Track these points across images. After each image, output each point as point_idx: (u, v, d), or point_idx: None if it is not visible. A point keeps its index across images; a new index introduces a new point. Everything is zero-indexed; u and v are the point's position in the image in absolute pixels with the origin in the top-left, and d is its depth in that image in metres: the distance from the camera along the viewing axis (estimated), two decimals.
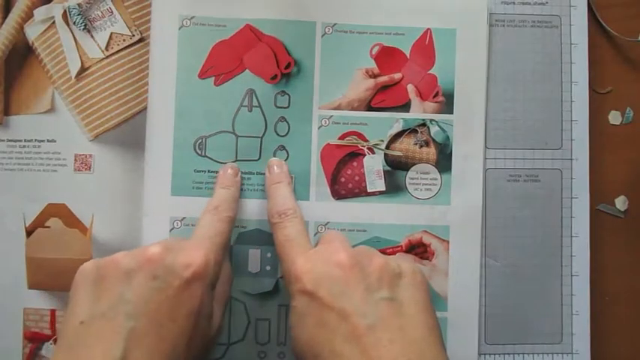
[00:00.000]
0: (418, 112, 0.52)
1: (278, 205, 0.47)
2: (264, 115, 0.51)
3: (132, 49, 0.52)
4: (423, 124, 0.52)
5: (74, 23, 0.51)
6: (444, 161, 0.52)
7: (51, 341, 0.51)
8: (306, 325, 0.40)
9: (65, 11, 0.51)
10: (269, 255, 0.51)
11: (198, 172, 0.51)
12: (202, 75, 0.51)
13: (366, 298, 0.40)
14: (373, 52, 0.52)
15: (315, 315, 0.40)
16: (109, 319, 0.38)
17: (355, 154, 0.52)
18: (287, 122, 0.52)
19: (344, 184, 0.52)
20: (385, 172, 0.52)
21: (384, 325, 0.38)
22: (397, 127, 0.52)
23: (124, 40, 0.52)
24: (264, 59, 0.51)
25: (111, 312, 0.38)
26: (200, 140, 0.51)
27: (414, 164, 0.52)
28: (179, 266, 0.40)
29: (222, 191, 0.49)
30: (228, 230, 0.46)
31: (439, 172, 0.52)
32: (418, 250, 0.52)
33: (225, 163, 0.51)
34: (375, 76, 0.52)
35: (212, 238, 0.44)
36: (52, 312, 0.51)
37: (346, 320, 0.39)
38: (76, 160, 0.52)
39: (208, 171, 0.51)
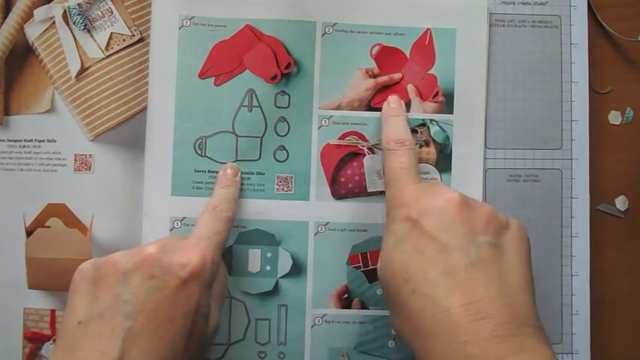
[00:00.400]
0: (418, 112, 0.52)
1: (397, 134, 0.48)
2: (264, 115, 0.51)
3: (132, 49, 0.52)
4: (423, 124, 0.52)
5: (74, 23, 0.52)
6: (444, 161, 0.52)
7: (51, 341, 0.51)
8: (403, 249, 0.41)
9: (65, 11, 0.52)
10: (269, 255, 0.51)
11: (198, 172, 0.51)
12: (202, 75, 0.51)
13: (471, 237, 0.40)
14: (373, 52, 0.52)
15: (414, 242, 0.40)
16: (106, 319, 0.38)
17: (355, 154, 0.52)
18: (287, 122, 0.52)
19: (344, 183, 0.52)
20: None
21: (483, 267, 0.39)
22: None
23: (124, 40, 0.52)
24: (264, 59, 0.51)
25: (108, 312, 0.38)
26: (200, 140, 0.51)
27: None
28: (176, 266, 0.40)
29: (221, 191, 0.49)
30: (226, 230, 0.46)
31: (439, 171, 0.52)
32: None
33: (226, 163, 0.51)
34: (375, 76, 0.52)
35: (210, 237, 0.44)
36: (52, 312, 0.51)
37: (447, 253, 0.39)
38: (76, 160, 0.52)
39: (208, 171, 0.51)
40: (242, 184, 0.51)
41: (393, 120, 0.50)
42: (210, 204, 0.47)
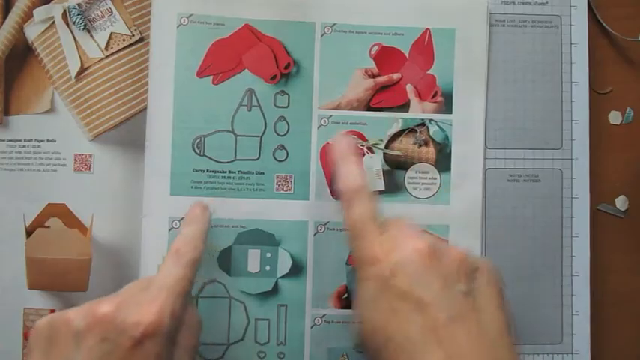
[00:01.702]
0: (417, 112, 0.52)
1: (349, 182, 0.45)
2: (263, 114, 0.51)
3: (132, 49, 0.52)
4: (422, 124, 0.52)
5: (74, 23, 0.52)
6: (443, 161, 0.52)
7: None
8: (379, 309, 0.40)
9: (65, 11, 0.52)
10: (268, 255, 0.51)
11: (196, 171, 0.51)
12: (200, 73, 0.51)
13: (445, 289, 0.39)
14: (372, 52, 0.52)
15: (390, 300, 0.39)
16: None
17: None
18: (286, 122, 0.52)
19: None
20: (384, 172, 0.52)
21: (461, 319, 0.38)
22: (396, 127, 0.52)
23: (123, 40, 0.52)
24: (264, 59, 0.51)
25: None
26: (199, 140, 0.51)
27: (413, 164, 0.52)
28: (129, 325, 0.38)
29: (185, 231, 0.46)
30: (190, 273, 0.43)
31: (438, 171, 0.52)
32: None
33: (225, 162, 0.51)
34: (374, 76, 0.52)
35: (171, 287, 0.41)
36: (52, 312, 0.51)
37: (424, 310, 0.38)
38: (76, 160, 0.52)
39: (207, 170, 0.51)
40: (241, 184, 0.51)
41: (344, 165, 0.46)
42: (173, 247, 0.44)
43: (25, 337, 0.51)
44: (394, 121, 0.52)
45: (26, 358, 0.39)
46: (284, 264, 0.51)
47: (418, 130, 0.52)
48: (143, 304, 0.39)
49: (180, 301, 0.41)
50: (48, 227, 0.52)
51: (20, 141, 0.52)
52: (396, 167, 0.52)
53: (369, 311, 0.40)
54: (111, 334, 0.37)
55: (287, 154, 0.52)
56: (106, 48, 0.52)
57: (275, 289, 0.51)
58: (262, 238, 0.51)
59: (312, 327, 0.51)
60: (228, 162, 0.51)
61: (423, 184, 0.52)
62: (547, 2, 0.54)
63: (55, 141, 0.52)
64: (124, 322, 0.38)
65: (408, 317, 0.38)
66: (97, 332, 0.37)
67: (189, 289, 0.42)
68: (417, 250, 0.40)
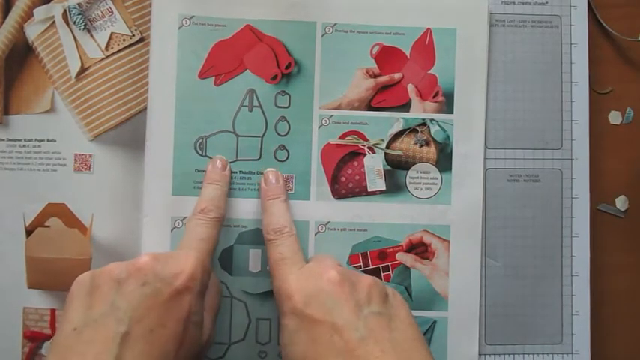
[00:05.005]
0: (418, 111, 0.52)
1: (274, 223, 0.48)
2: (264, 114, 0.51)
3: (132, 49, 0.52)
4: (424, 124, 0.52)
5: (74, 23, 0.52)
6: (444, 161, 0.52)
7: (51, 340, 0.51)
8: (298, 342, 0.41)
9: (65, 11, 0.51)
10: None
11: (199, 172, 0.51)
12: (202, 75, 0.51)
13: (357, 312, 0.41)
14: (373, 52, 0.52)
15: (306, 331, 0.41)
16: (100, 324, 0.38)
17: (356, 154, 0.52)
18: (287, 122, 0.52)
19: (344, 183, 0.52)
20: (386, 172, 0.52)
21: (374, 338, 0.39)
22: (397, 127, 0.52)
23: (124, 40, 0.52)
24: (265, 59, 0.51)
25: (103, 318, 0.38)
26: (201, 140, 0.51)
27: (415, 164, 0.52)
28: (169, 275, 0.40)
29: (209, 189, 0.49)
30: (215, 233, 0.46)
31: (439, 171, 0.52)
32: (418, 249, 0.52)
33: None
34: (375, 75, 0.52)
35: (199, 246, 0.44)
36: (52, 311, 0.51)
37: (338, 334, 0.40)
38: (76, 160, 0.52)
39: None
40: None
41: (271, 205, 0.49)
42: (198, 206, 0.47)
43: (25, 336, 0.51)
44: (395, 120, 0.52)
45: (66, 308, 0.40)
46: None
47: (419, 130, 0.52)
48: (178, 258, 0.42)
49: (209, 258, 0.44)
50: (48, 227, 0.52)
51: (20, 141, 0.52)
52: (397, 167, 0.52)
53: (290, 347, 0.42)
54: (150, 280, 0.40)
55: (288, 154, 0.52)
56: (107, 48, 0.52)
57: None
58: (263, 237, 0.51)
59: None
60: (229, 162, 0.51)
61: (424, 184, 0.52)
62: (547, 2, 0.54)
63: (55, 141, 0.52)
64: (163, 271, 0.41)
65: (324, 344, 0.40)
66: (137, 277, 0.40)
67: (215, 247, 0.46)
68: (329, 279, 0.42)
